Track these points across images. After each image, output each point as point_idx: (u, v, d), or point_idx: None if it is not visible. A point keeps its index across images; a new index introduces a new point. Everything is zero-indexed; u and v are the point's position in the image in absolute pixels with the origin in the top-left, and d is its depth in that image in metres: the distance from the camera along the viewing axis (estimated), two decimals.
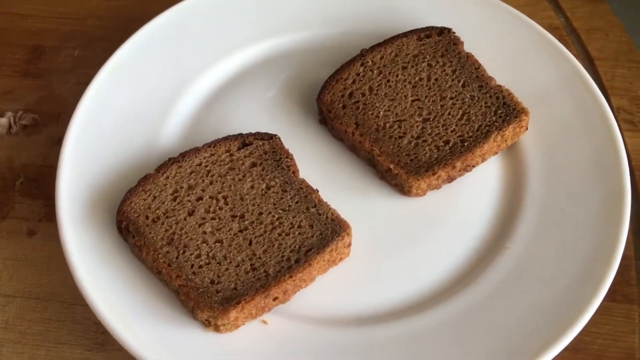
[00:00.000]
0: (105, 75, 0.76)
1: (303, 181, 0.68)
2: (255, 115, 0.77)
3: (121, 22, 0.91)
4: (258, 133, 0.71)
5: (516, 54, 0.76)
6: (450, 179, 0.70)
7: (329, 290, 0.64)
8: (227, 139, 0.71)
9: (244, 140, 0.71)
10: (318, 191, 0.67)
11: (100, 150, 0.71)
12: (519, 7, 0.86)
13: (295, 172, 0.69)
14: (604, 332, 0.65)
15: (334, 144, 0.75)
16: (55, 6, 0.93)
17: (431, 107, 0.71)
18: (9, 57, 0.87)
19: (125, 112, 0.75)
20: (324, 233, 0.64)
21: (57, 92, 0.84)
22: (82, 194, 0.68)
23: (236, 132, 0.72)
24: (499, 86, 0.72)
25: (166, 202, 0.66)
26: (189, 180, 0.68)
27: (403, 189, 0.70)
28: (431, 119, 0.70)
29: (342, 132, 0.72)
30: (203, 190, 0.67)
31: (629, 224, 0.65)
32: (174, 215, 0.65)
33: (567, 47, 0.80)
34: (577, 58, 0.79)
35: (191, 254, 0.62)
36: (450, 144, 0.69)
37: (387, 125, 0.70)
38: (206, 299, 0.59)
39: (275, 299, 0.61)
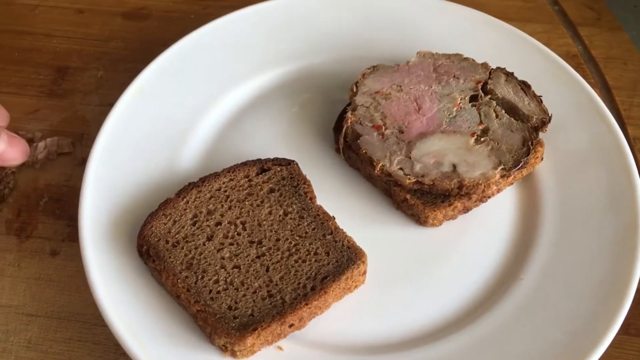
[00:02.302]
0: (128, 98, 0.78)
1: (320, 208, 0.69)
2: (272, 141, 0.78)
3: (143, 44, 0.93)
4: (276, 159, 0.73)
5: (532, 82, 0.77)
6: (466, 210, 0.71)
7: (344, 317, 0.65)
8: (245, 164, 0.72)
9: (263, 166, 0.72)
10: (335, 218, 0.68)
11: (122, 172, 0.73)
12: (535, 34, 0.86)
13: (313, 198, 0.70)
14: None
15: (350, 173, 0.76)
16: (80, 27, 0.95)
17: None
18: (34, 77, 0.89)
19: (148, 134, 0.77)
20: (340, 260, 0.65)
21: (81, 113, 0.86)
22: (105, 216, 0.69)
23: (254, 157, 0.73)
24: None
25: (186, 227, 0.67)
26: (208, 205, 0.69)
27: (419, 219, 0.70)
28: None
29: None
30: (222, 216, 0.68)
31: None
32: (193, 240, 0.66)
33: (584, 76, 0.80)
34: (594, 87, 0.80)
35: (209, 280, 0.64)
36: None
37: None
38: (223, 324, 0.60)
39: (291, 325, 0.62)
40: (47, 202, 0.78)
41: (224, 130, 0.80)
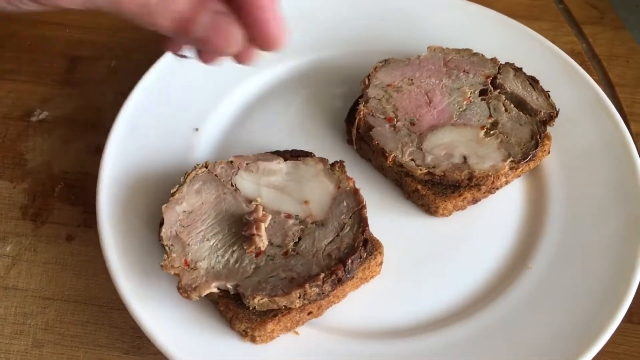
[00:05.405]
0: (143, 88, 0.79)
1: None
2: (284, 132, 0.80)
3: (155, 35, 0.93)
4: (294, 150, 0.73)
5: (539, 78, 0.79)
6: (475, 200, 0.73)
7: (359, 305, 0.66)
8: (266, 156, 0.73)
9: (283, 157, 0.73)
10: None
11: (138, 159, 0.74)
12: (541, 31, 0.88)
13: None
14: (619, 351, 0.67)
15: (361, 163, 0.77)
16: (93, 17, 0.96)
17: None
18: (48, 65, 0.90)
19: (162, 123, 0.78)
20: None
21: (94, 101, 0.87)
22: (121, 202, 0.70)
23: (267, 147, 0.74)
24: None
25: None
26: None
27: (429, 209, 0.72)
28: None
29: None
30: None
31: None
32: None
33: (588, 73, 0.82)
34: (598, 84, 0.82)
35: None
36: None
37: None
38: (245, 310, 0.61)
39: (309, 313, 0.63)
40: (62, 189, 0.79)
41: (236, 121, 0.81)
